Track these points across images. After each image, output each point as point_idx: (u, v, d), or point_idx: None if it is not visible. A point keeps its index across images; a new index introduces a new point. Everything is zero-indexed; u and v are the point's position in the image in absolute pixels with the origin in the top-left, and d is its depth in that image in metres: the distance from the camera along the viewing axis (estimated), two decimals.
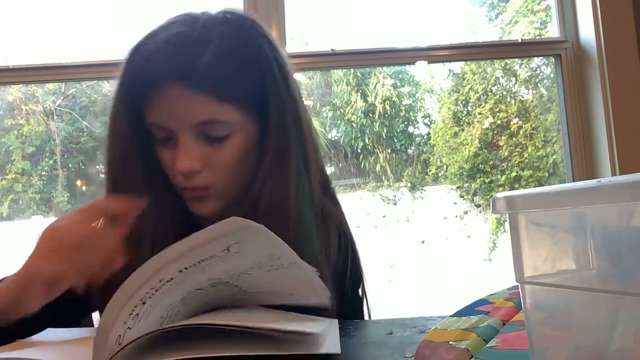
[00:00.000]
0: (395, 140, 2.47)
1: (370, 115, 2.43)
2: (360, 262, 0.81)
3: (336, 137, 2.49)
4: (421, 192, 2.41)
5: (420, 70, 2.43)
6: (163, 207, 0.73)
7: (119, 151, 0.73)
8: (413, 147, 2.50)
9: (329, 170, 2.51)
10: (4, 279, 0.62)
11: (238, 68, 0.69)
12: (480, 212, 2.35)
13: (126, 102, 0.71)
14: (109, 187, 0.73)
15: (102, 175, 0.79)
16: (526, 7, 2.19)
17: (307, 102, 2.47)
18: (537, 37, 2.07)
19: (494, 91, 2.28)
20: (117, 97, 0.72)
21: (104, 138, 0.75)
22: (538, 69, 2.22)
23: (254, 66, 0.71)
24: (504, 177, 2.23)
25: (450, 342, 0.44)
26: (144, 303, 0.46)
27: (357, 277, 0.80)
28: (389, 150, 2.46)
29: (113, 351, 0.44)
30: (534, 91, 2.24)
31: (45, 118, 2.21)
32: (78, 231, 0.59)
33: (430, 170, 2.42)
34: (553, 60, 1.86)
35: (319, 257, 0.71)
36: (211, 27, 0.70)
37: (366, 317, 0.81)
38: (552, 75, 2.02)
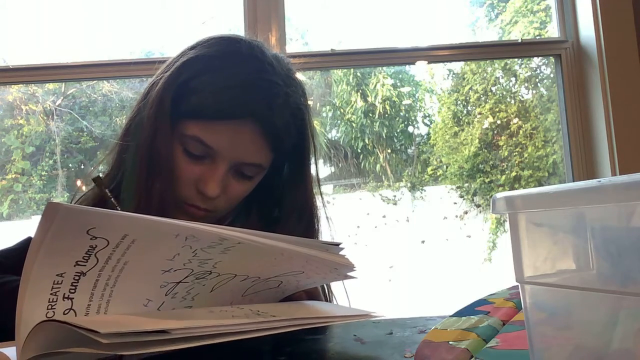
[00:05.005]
0: (395, 140, 2.47)
1: (370, 115, 2.43)
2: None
3: (336, 137, 2.49)
4: (421, 192, 2.41)
5: (420, 70, 2.43)
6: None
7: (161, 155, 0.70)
8: (413, 147, 2.50)
9: (329, 170, 2.51)
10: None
11: (292, 123, 0.74)
12: (480, 212, 2.35)
13: (174, 108, 0.70)
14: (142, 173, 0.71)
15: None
16: (526, 7, 2.19)
17: (307, 102, 2.47)
18: (537, 37, 2.07)
19: (494, 91, 2.28)
20: (168, 99, 0.70)
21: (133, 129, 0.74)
22: (538, 69, 2.22)
23: (300, 125, 0.76)
24: (504, 177, 2.23)
25: (450, 342, 0.44)
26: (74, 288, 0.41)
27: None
28: (389, 150, 2.46)
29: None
30: (534, 91, 2.24)
31: (45, 118, 2.21)
32: None
33: (430, 170, 2.42)
34: (553, 60, 1.86)
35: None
36: (284, 75, 0.73)
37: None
38: (552, 75, 2.02)
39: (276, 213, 0.82)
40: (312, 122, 0.80)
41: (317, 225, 0.81)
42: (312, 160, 0.81)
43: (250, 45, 0.74)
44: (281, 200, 0.80)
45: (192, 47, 0.74)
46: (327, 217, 0.84)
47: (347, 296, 0.82)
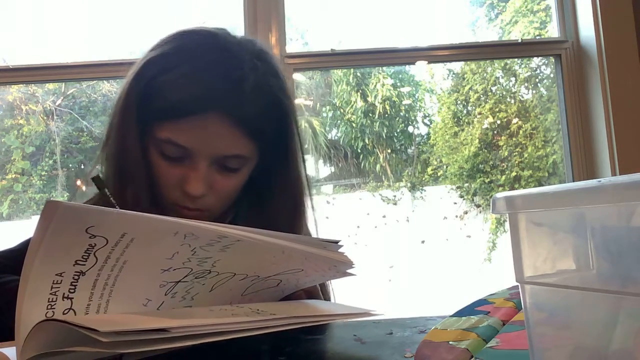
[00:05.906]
0: (395, 140, 2.47)
1: (370, 115, 2.43)
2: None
3: (336, 137, 2.49)
4: (421, 192, 2.41)
5: (420, 70, 2.43)
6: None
7: (128, 160, 0.69)
8: (413, 147, 2.50)
9: (329, 170, 2.51)
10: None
11: (265, 107, 0.70)
12: (480, 212, 2.35)
13: (144, 112, 0.68)
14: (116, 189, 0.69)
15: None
16: (526, 7, 2.19)
17: (307, 102, 2.48)
18: (537, 37, 2.07)
19: (493, 91, 2.28)
20: (132, 103, 0.69)
21: (108, 139, 0.72)
22: (538, 69, 2.22)
23: (278, 108, 0.72)
24: (504, 177, 2.23)
25: (450, 342, 0.44)
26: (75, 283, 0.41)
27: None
28: (389, 150, 2.46)
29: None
30: (534, 91, 2.24)
31: (45, 118, 2.21)
32: None
33: (430, 170, 2.42)
34: (553, 60, 1.86)
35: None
36: (249, 60, 0.69)
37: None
38: (552, 75, 2.02)
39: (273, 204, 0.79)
40: (292, 103, 0.76)
41: (305, 206, 0.78)
42: (297, 140, 0.77)
43: (207, 35, 0.71)
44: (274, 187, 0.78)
45: (152, 48, 0.72)
46: (312, 207, 0.81)
47: (334, 296, 0.81)
